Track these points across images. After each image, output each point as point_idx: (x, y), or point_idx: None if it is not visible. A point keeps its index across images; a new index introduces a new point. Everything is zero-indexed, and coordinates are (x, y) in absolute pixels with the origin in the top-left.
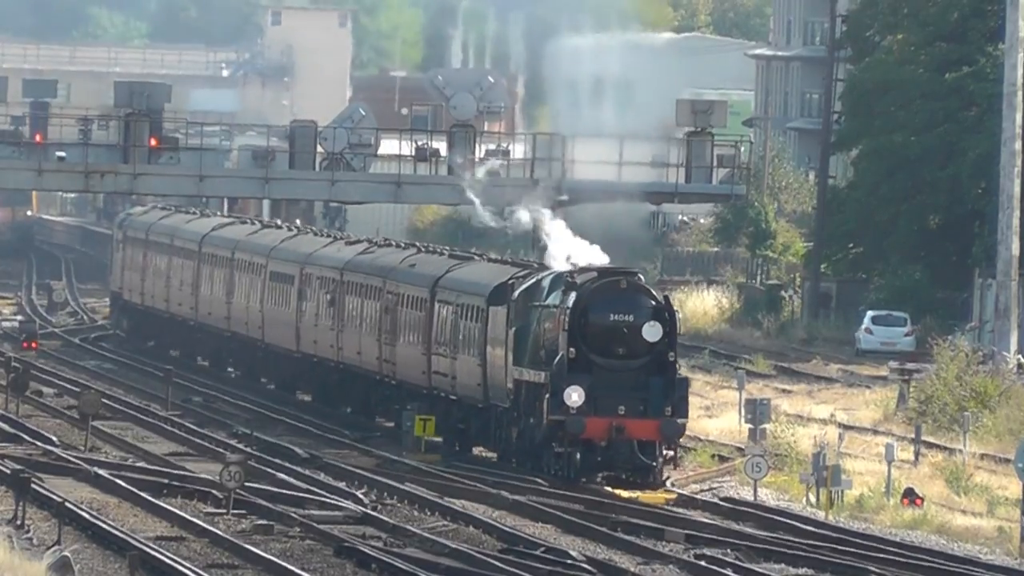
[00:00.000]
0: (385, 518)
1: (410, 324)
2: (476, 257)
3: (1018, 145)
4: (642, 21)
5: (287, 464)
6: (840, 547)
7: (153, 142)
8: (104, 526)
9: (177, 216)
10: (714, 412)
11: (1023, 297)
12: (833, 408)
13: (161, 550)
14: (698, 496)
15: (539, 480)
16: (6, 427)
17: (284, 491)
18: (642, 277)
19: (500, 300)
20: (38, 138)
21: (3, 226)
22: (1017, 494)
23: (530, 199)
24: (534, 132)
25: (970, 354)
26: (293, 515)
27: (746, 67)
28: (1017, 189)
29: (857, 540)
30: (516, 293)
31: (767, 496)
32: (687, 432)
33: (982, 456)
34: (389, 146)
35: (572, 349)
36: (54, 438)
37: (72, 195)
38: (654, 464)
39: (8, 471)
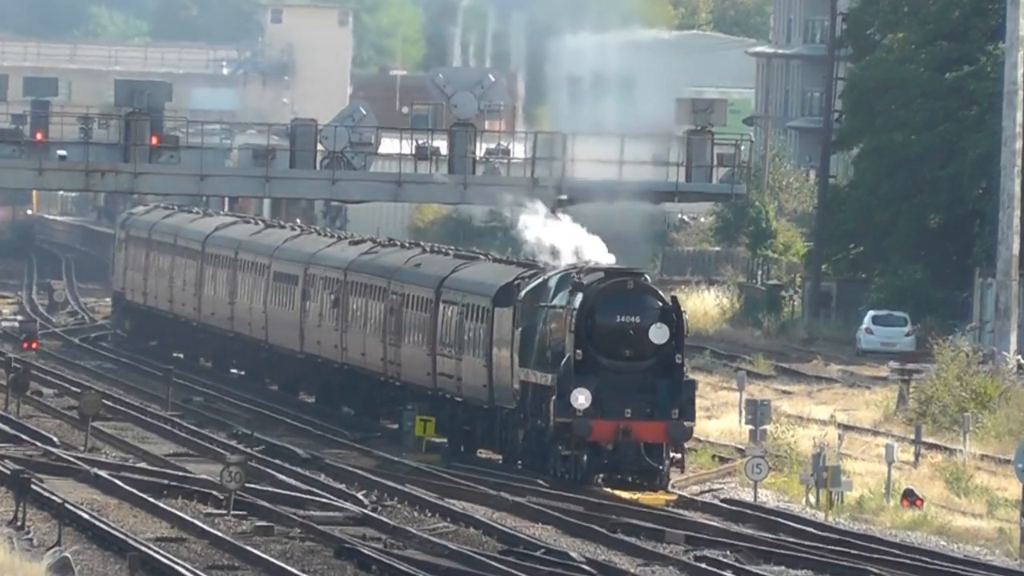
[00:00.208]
0: (385, 519)
1: (415, 325)
2: (481, 257)
3: (1018, 144)
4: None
5: (287, 465)
6: (840, 548)
7: (154, 141)
8: (104, 527)
9: (180, 215)
10: (714, 413)
11: (1023, 297)
12: (833, 409)
13: (161, 551)
14: (698, 497)
15: (539, 481)
16: (6, 427)
17: (284, 492)
18: (648, 278)
19: (506, 301)
20: (39, 137)
21: (3, 225)
22: (1017, 495)
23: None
24: (535, 131)
25: (970, 354)
26: (293, 516)
27: (746, 65)
28: (1017, 188)
29: (857, 541)
30: (522, 294)
31: (767, 497)
32: None
33: (982, 457)
34: (390, 145)
35: (579, 351)
36: (54, 438)
37: (73, 194)
38: (661, 467)
39: (8, 472)
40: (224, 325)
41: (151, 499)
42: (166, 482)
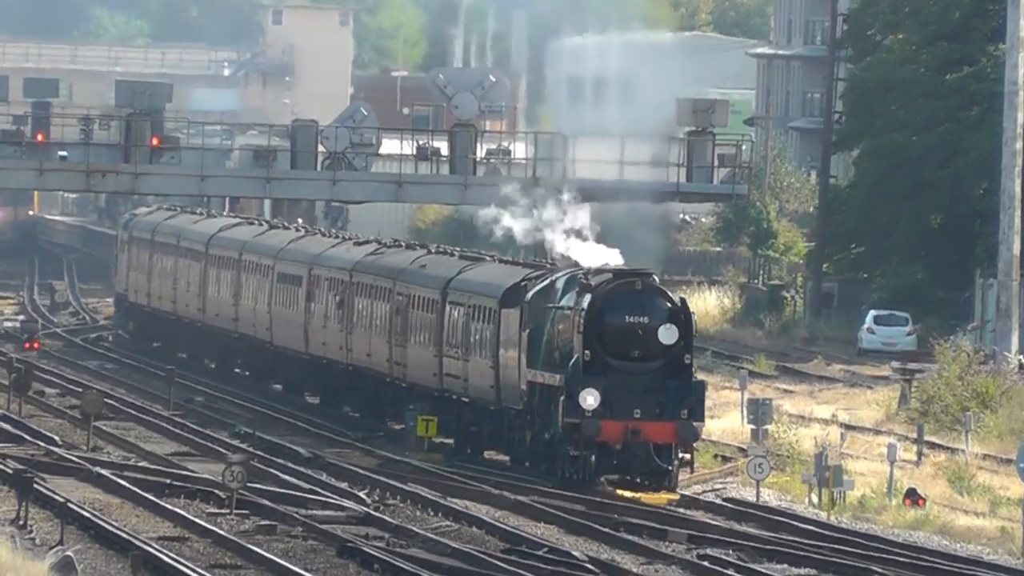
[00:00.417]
0: (388, 518)
1: (421, 326)
2: (487, 258)
3: (1019, 145)
4: (643, 20)
5: (290, 464)
6: (842, 547)
7: (154, 142)
8: (106, 526)
9: (183, 217)
10: (716, 412)
11: None
12: (835, 408)
13: (163, 550)
14: (700, 497)
15: (540, 480)
16: (8, 427)
17: (287, 491)
18: (656, 278)
19: (513, 302)
20: (40, 138)
21: (5, 226)
22: (1019, 494)
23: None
24: (535, 131)
25: (972, 354)
26: (296, 515)
27: (747, 66)
28: (1018, 189)
29: (859, 540)
30: (530, 294)
31: (769, 496)
32: None
33: (984, 456)
34: (390, 146)
35: (587, 351)
36: (56, 438)
37: (73, 195)
38: (670, 468)
39: (11, 471)
40: (228, 326)
41: (153, 498)
42: (168, 481)
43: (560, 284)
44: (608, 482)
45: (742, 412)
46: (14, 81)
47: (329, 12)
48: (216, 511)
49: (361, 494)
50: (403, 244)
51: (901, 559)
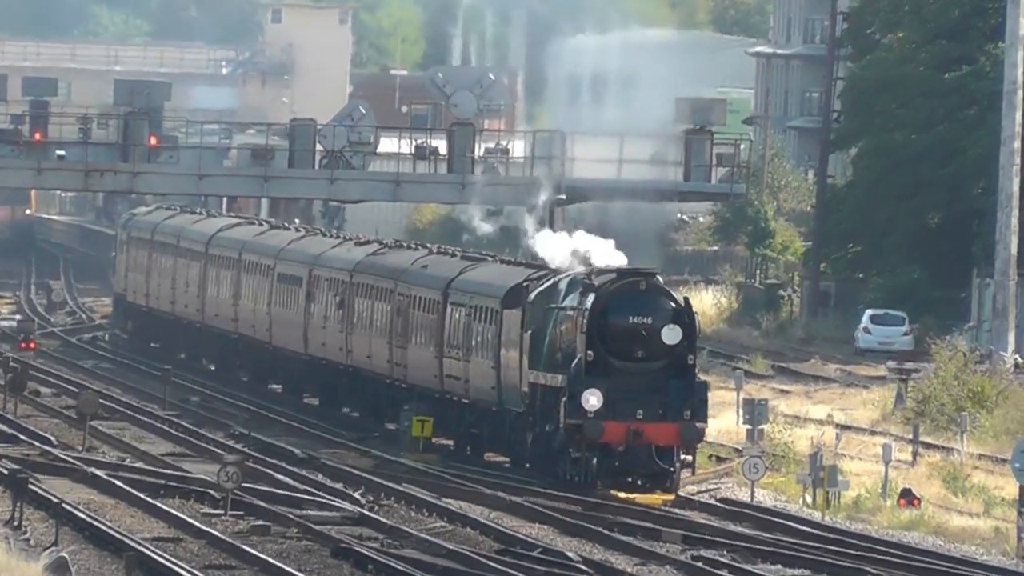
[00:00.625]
0: (382, 519)
1: (422, 327)
2: (489, 259)
3: (1017, 144)
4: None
5: (284, 465)
6: (837, 548)
7: (153, 141)
8: (101, 527)
9: (182, 216)
10: (712, 412)
11: (1021, 297)
12: (830, 408)
13: (158, 551)
14: (695, 497)
15: (535, 480)
16: (4, 427)
17: (281, 492)
18: (660, 278)
19: (515, 302)
20: (38, 136)
21: (2, 225)
22: (1014, 494)
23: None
24: (534, 130)
25: (968, 354)
26: (290, 516)
27: (746, 65)
28: (1016, 188)
29: (854, 541)
30: (532, 295)
31: (764, 497)
32: None
33: (979, 456)
34: (388, 144)
35: (590, 352)
36: (52, 438)
37: (71, 194)
38: (672, 469)
39: (5, 471)
40: (228, 327)
41: (148, 499)
42: (163, 482)
43: (563, 284)
44: (603, 482)
45: (738, 412)
46: (12, 80)
47: (328, 11)
48: (211, 512)
49: (356, 495)
50: (404, 244)
51: (895, 560)
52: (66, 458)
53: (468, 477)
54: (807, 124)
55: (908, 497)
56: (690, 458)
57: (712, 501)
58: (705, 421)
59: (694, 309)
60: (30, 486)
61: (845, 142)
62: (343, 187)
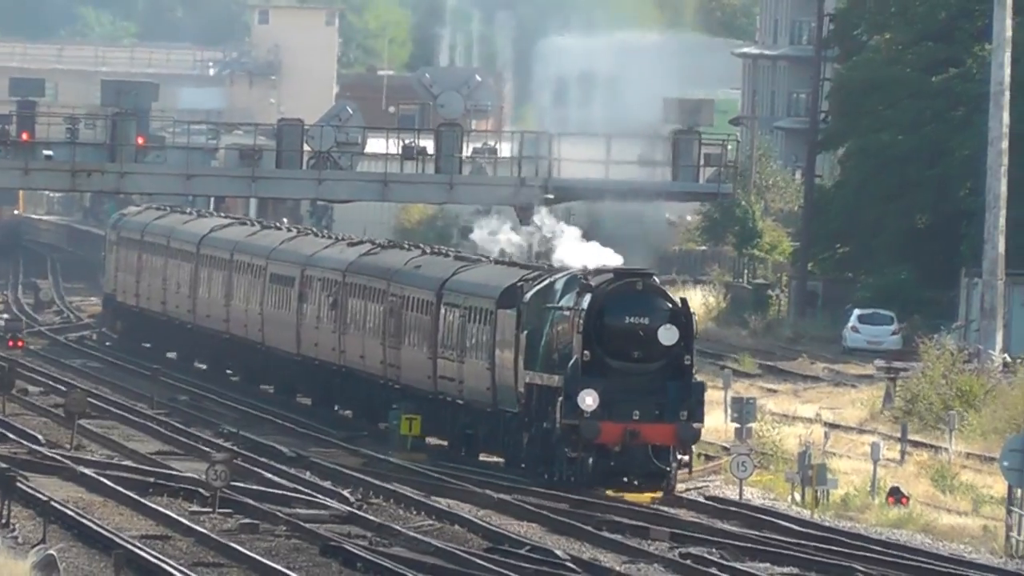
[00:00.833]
0: (371, 517)
1: (415, 327)
2: (483, 259)
3: (1005, 145)
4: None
5: (273, 463)
6: (826, 546)
7: (140, 141)
8: (89, 525)
9: (173, 217)
10: None
11: (1009, 296)
12: (819, 407)
13: (147, 549)
14: (683, 495)
15: (525, 480)
16: None
17: (270, 490)
18: (657, 279)
19: (510, 303)
20: (25, 137)
21: None
22: (1002, 493)
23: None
24: (521, 131)
25: (956, 353)
26: (279, 514)
27: (733, 66)
28: (1004, 189)
29: (843, 539)
30: (528, 295)
31: (753, 495)
32: None
33: (968, 455)
34: (376, 145)
35: (587, 352)
36: (40, 437)
37: (59, 194)
38: (669, 469)
39: None
40: (219, 327)
41: (137, 497)
42: (152, 480)
43: (559, 285)
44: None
45: (726, 411)
46: (0, 81)
47: (315, 11)
48: (199, 510)
49: (345, 493)
50: (397, 245)
51: (884, 558)
52: (55, 456)
53: (457, 476)
54: (794, 125)
55: (896, 495)
56: (687, 458)
57: (701, 499)
58: (702, 421)
59: (691, 309)
60: (18, 484)
61: (832, 143)
62: (331, 187)
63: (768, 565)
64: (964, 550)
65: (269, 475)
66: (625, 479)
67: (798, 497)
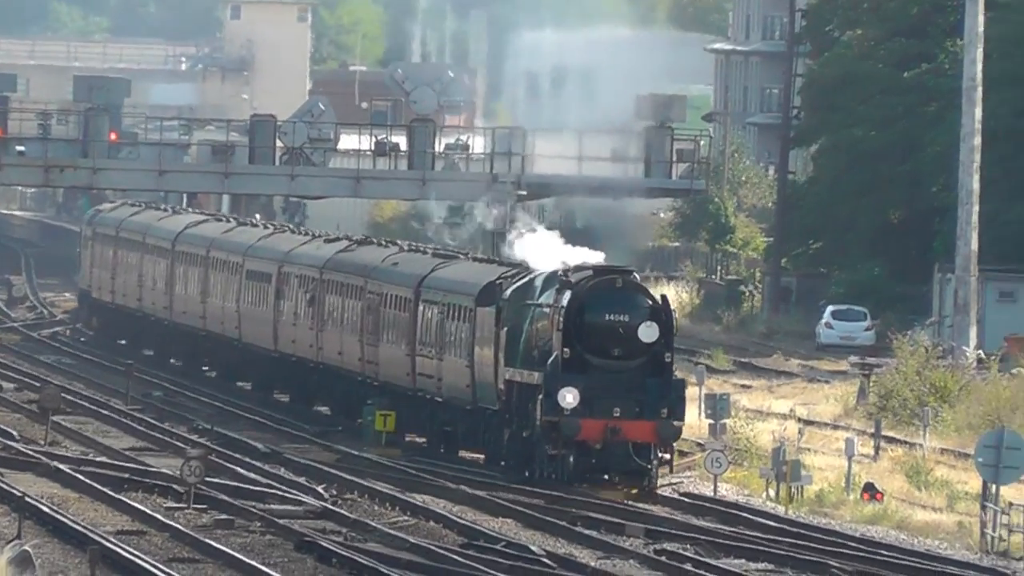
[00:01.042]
0: (346, 513)
1: (393, 324)
2: (461, 256)
3: (977, 140)
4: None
5: (248, 459)
6: (800, 542)
7: (113, 136)
8: (64, 520)
9: (148, 213)
10: None
11: (982, 292)
12: (793, 403)
13: (122, 544)
14: (658, 491)
15: (498, 475)
16: None
17: (245, 486)
18: (637, 276)
19: (489, 300)
20: None
21: None
22: (977, 489)
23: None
24: (494, 126)
25: (930, 349)
26: (254, 510)
27: (705, 62)
28: (976, 184)
29: (817, 535)
30: (507, 292)
31: (727, 491)
32: None
33: (942, 451)
34: (349, 141)
35: (567, 349)
36: (14, 432)
37: (32, 190)
38: (649, 467)
39: None
40: (196, 324)
41: (111, 493)
42: (126, 476)
43: (539, 282)
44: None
45: (700, 407)
46: None
47: (287, 7)
48: (174, 505)
49: (319, 489)
50: (375, 241)
51: (859, 554)
52: (29, 452)
53: (433, 472)
54: (767, 120)
55: (871, 491)
56: (668, 456)
57: (675, 495)
58: (682, 419)
59: (671, 306)
60: None
61: (805, 138)
62: (304, 183)
63: (743, 561)
64: (939, 546)
65: (244, 471)
66: (606, 476)
67: (772, 493)
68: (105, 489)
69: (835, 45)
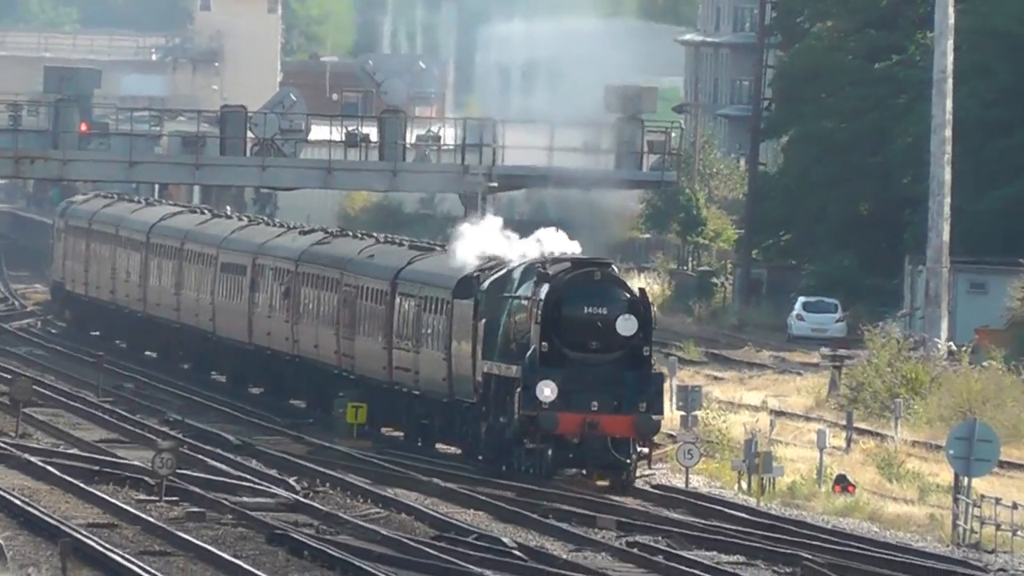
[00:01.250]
0: (318, 505)
1: (370, 317)
2: (437, 248)
3: (948, 132)
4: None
5: (219, 451)
6: (772, 534)
7: (83, 128)
8: (36, 513)
9: (121, 205)
10: None
11: (953, 284)
12: (765, 395)
13: (93, 537)
14: (633, 484)
15: (469, 467)
16: None
17: (216, 478)
18: (615, 268)
19: (466, 293)
20: None
21: None
22: (948, 481)
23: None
24: (465, 117)
25: (901, 340)
26: (225, 502)
27: (675, 53)
28: (947, 176)
29: (789, 527)
30: (485, 284)
31: (699, 483)
32: None
33: (913, 443)
34: (320, 132)
35: (544, 342)
36: None
37: (2, 181)
38: (628, 461)
39: None
40: (170, 316)
41: (83, 485)
42: (98, 468)
43: (517, 274)
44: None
45: (671, 398)
46: None
47: None
48: (145, 498)
49: (291, 481)
50: (350, 233)
51: (830, 546)
52: (0, 444)
53: (405, 465)
54: (737, 112)
55: (843, 483)
56: (647, 450)
57: (647, 487)
58: (661, 413)
59: (649, 300)
60: None
61: (775, 130)
62: (275, 174)
63: (715, 553)
64: (911, 538)
65: (215, 463)
66: (584, 471)
67: (744, 485)
68: (76, 481)
69: (805, 37)
